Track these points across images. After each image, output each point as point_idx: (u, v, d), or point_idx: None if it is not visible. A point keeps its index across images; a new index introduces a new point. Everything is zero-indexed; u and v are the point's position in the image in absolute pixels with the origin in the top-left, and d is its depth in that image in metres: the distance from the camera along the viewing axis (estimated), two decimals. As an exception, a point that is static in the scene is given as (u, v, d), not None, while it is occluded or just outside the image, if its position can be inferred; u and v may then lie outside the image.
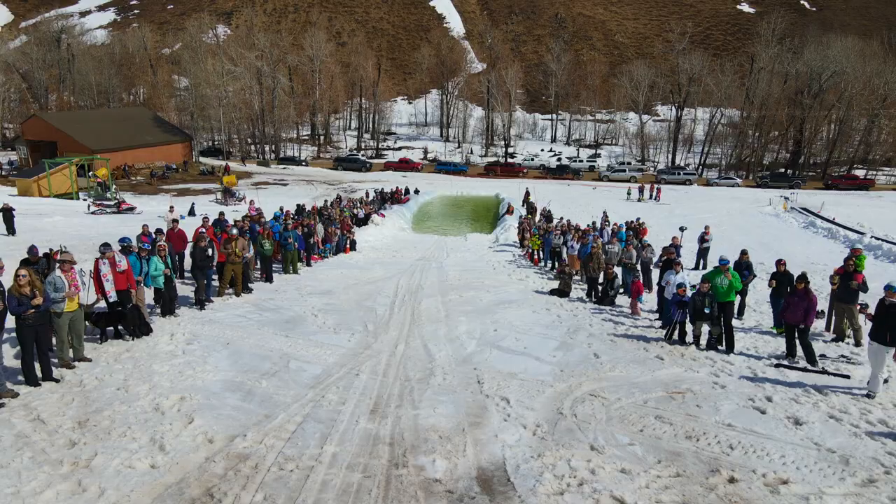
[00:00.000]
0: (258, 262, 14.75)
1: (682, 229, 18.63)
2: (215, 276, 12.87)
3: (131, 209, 27.58)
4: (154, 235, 12.37)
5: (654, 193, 39.16)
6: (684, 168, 56.00)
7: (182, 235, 13.97)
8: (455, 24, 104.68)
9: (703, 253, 18.35)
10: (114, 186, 33.79)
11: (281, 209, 22.24)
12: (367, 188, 37.93)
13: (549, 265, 18.65)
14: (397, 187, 35.28)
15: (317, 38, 64.67)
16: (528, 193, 34.66)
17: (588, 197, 40.78)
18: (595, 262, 14.15)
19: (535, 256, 20.06)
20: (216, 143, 62.65)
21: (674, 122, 63.29)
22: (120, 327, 9.12)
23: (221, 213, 17.16)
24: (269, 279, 14.46)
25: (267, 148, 64.42)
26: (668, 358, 9.21)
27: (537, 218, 27.39)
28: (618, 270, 14.28)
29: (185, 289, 12.49)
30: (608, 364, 8.87)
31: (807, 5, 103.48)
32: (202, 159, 55.33)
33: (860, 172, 54.62)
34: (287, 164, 55.91)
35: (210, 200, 33.29)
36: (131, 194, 35.50)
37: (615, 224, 20.66)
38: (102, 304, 9.00)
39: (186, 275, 13.39)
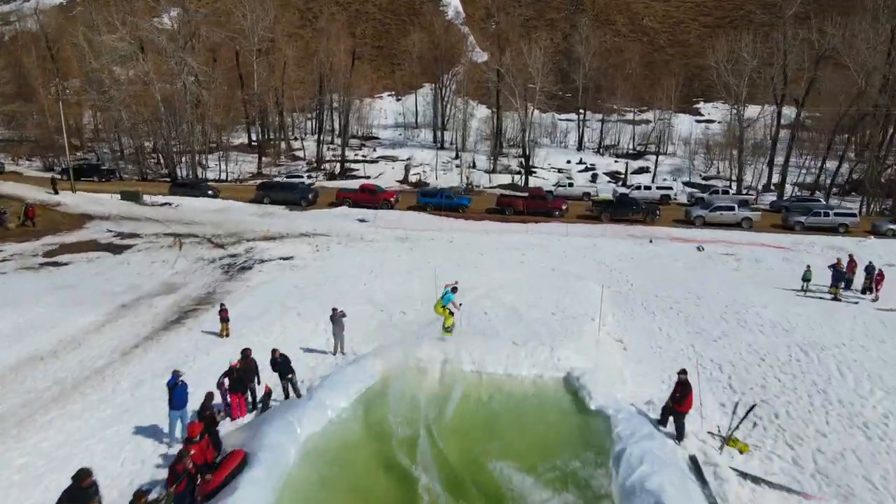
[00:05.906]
0: None
1: None
2: None
3: None
4: None
5: (874, 285, 18.27)
6: (820, 202, 34.74)
7: None
8: (453, 7, 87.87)
9: None
10: None
11: None
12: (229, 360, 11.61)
13: None
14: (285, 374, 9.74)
15: (253, 4, 44.41)
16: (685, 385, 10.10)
17: (703, 284, 20.13)
18: None
19: None
20: (85, 156, 41.77)
21: (773, 122, 42.93)
22: None
23: None
24: None
25: (185, 160, 44.49)
26: None
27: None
28: None
29: None
30: None
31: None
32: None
33: None
34: (185, 192, 34.91)
35: None
36: None
37: None
38: None
39: None
